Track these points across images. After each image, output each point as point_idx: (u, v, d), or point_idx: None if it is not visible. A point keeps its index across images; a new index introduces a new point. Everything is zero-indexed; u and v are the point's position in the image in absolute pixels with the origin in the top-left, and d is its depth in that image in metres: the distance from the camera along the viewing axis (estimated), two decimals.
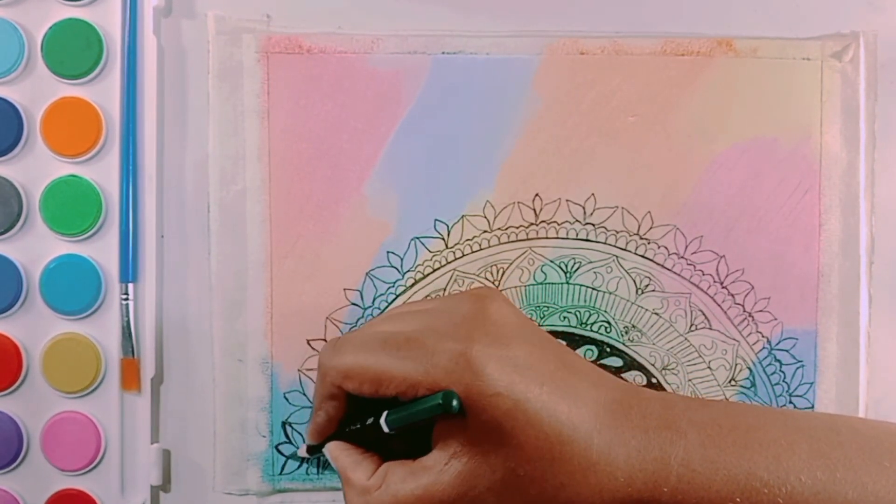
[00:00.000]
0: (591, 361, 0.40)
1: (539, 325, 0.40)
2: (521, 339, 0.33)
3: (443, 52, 0.40)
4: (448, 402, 0.31)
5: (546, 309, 0.40)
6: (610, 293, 0.40)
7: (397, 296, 0.40)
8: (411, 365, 0.32)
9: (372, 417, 0.34)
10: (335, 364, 0.34)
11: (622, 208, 0.40)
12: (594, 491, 0.31)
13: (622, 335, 0.40)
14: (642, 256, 0.40)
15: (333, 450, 0.36)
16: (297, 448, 0.40)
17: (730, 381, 0.41)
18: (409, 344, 0.33)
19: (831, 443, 0.32)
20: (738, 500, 0.31)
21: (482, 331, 0.33)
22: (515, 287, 0.40)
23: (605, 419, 0.32)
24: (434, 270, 0.40)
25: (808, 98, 0.40)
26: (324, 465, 0.40)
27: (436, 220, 0.40)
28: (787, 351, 0.41)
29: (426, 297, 0.40)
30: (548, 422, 0.31)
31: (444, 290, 0.40)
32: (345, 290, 0.40)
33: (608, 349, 0.41)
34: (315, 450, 0.38)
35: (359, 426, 0.35)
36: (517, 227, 0.40)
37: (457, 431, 0.32)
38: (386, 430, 0.33)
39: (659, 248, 0.40)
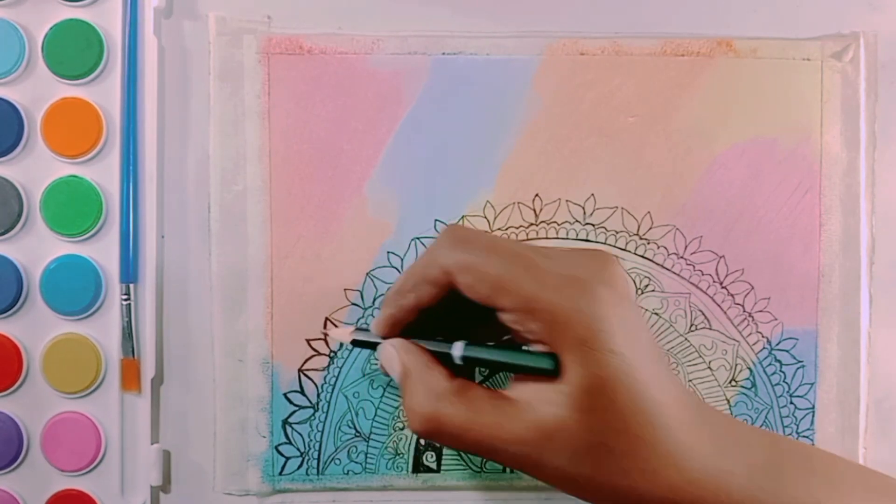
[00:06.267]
0: None
1: None
2: (634, 307, 0.32)
3: (443, 53, 0.40)
4: (557, 367, 0.29)
5: None
6: None
7: None
8: (538, 288, 0.30)
9: (441, 337, 0.32)
10: (455, 254, 0.31)
11: (622, 208, 0.40)
12: (662, 485, 0.29)
13: None
14: (642, 257, 0.40)
15: (402, 348, 0.33)
16: (335, 339, 0.38)
17: (730, 382, 0.40)
18: (539, 269, 0.31)
19: (883, 482, 0.31)
20: None
21: (609, 288, 0.30)
22: None
23: (688, 418, 0.30)
24: None
25: (808, 98, 0.40)
26: (324, 465, 0.40)
27: (436, 220, 0.40)
28: (787, 351, 0.41)
29: None
30: (649, 400, 0.29)
31: None
32: (345, 290, 0.40)
33: None
34: (363, 344, 0.35)
35: (424, 341, 0.33)
36: (517, 228, 0.40)
37: (555, 377, 0.30)
38: (458, 360, 0.31)
39: (659, 248, 0.40)
